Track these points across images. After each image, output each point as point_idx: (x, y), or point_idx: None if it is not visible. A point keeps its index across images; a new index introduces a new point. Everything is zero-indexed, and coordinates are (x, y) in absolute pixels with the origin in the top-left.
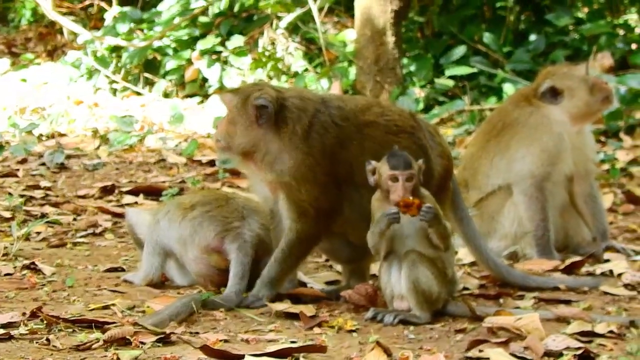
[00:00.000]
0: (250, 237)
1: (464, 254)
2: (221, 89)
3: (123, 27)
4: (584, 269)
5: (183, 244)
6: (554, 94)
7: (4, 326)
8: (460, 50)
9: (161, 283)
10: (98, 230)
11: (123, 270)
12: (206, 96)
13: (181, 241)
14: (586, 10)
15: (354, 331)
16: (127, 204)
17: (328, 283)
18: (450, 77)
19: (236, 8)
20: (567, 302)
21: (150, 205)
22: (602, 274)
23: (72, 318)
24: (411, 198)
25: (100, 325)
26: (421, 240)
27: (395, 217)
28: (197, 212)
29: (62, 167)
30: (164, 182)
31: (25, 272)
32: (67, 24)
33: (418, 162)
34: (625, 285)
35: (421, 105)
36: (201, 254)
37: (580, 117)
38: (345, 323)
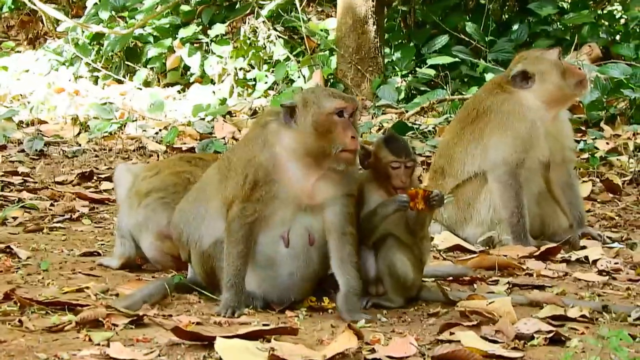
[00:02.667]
0: None
1: (439, 241)
2: (202, 77)
3: (104, 15)
4: (559, 256)
5: (139, 230)
6: (525, 77)
7: None
8: (442, 40)
9: (137, 266)
10: (75, 216)
11: (99, 254)
12: (187, 84)
13: (137, 227)
14: (569, 0)
15: (326, 313)
16: (105, 190)
17: None
18: (432, 67)
19: None
20: (541, 288)
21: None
22: (578, 260)
23: (45, 301)
24: (413, 189)
25: (74, 308)
26: (398, 226)
27: (405, 205)
28: (151, 199)
29: (41, 154)
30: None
31: (0, 255)
32: (49, 11)
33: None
34: (600, 272)
35: (402, 95)
36: (155, 240)
37: (554, 101)
38: (315, 303)
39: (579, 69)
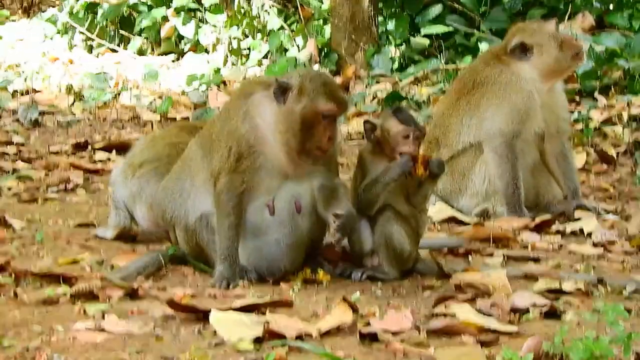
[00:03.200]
0: None
1: (434, 212)
2: (196, 46)
3: None
4: (554, 227)
5: (133, 201)
6: (523, 50)
7: None
8: (436, 9)
9: (132, 237)
10: (70, 186)
11: (94, 225)
12: (181, 54)
13: (131, 198)
14: None
15: (321, 286)
16: (100, 161)
17: None
18: (426, 36)
19: None
20: (536, 260)
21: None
22: (572, 232)
23: (40, 272)
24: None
25: (68, 280)
26: (397, 197)
27: (410, 166)
28: (145, 170)
29: (35, 124)
30: (137, 139)
31: None
32: None
33: None
34: (595, 244)
35: (396, 64)
36: (148, 210)
37: (551, 73)
38: (310, 275)
39: (576, 39)
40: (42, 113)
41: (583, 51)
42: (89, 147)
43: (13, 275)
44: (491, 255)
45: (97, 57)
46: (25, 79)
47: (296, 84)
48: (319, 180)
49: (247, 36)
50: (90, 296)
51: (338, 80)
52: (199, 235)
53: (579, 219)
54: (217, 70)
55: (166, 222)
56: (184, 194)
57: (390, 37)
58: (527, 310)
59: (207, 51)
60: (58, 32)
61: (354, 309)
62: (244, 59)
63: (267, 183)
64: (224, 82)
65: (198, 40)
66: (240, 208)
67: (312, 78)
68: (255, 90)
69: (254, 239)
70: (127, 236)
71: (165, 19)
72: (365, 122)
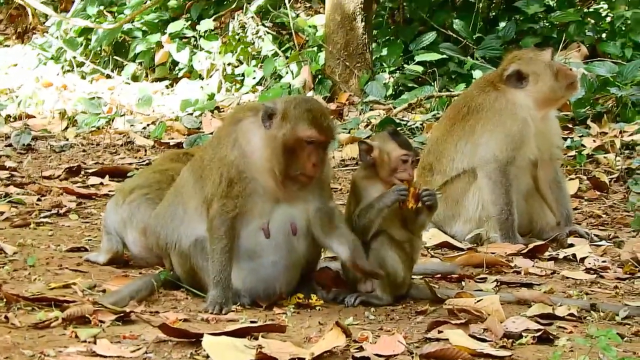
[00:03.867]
0: None
1: (427, 238)
2: (190, 72)
3: (92, 10)
4: (547, 253)
5: (123, 227)
6: (519, 78)
7: None
8: (430, 37)
9: (124, 262)
10: (62, 211)
11: (86, 250)
12: (175, 79)
13: (122, 223)
14: None
15: (314, 310)
16: (93, 185)
17: None
18: (420, 63)
19: None
20: (529, 286)
21: (115, 187)
22: (565, 258)
23: (32, 296)
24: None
25: (60, 304)
26: (392, 222)
27: (405, 195)
28: (136, 195)
29: (28, 148)
30: (130, 164)
31: None
32: (37, 5)
33: None
34: (588, 270)
35: (390, 91)
36: (139, 236)
37: (545, 102)
38: (303, 300)
39: (570, 69)
40: (35, 138)
41: (577, 81)
42: (82, 172)
43: (5, 300)
44: (484, 280)
45: (91, 82)
46: (19, 104)
47: (280, 109)
48: (314, 203)
49: (241, 62)
50: (82, 320)
51: (332, 106)
52: (193, 259)
53: (571, 245)
54: (211, 96)
55: (161, 249)
56: (176, 219)
57: (384, 64)
58: (520, 335)
59: (201, 77)
60: (52, 58)
61: (347, 334)
62: (238, 85)
63: (260, 207)
64: (218, 108)
65: (192, 66)
66: (233, 232)
67: (297, 104)
68: (244, 117)
69: (250, 261)
70: (120, 261)
71: (159, 45)
72: (361, 142)
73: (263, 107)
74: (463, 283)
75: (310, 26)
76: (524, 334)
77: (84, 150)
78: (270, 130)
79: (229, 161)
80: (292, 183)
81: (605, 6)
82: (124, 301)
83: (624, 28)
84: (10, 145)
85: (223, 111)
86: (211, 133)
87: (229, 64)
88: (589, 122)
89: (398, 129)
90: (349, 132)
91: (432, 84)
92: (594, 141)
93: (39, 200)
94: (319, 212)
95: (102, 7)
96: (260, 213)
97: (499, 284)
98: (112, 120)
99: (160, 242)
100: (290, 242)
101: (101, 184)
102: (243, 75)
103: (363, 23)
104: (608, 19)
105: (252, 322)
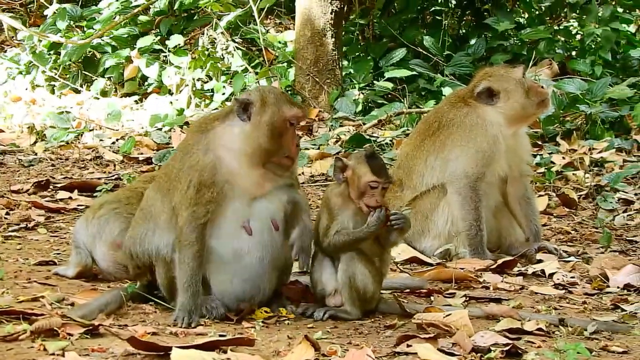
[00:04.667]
0: None
1: (396, 253)
2: (160, 87)
3: (62, 25)
4: (516, 269)
5: (92, 241)
6: (490, 94)
7: None
8: (399, 53)
9: (93, 276)
10: (31, 225)
11: (54, 263)
12: (145, 95)
13: (91, 238)
14: (526, 15)
15: (283, 324)
16: (61, 200)
17: None
18: (390, 80)
19: (176, 6)
20: (498, 301)
21: (83, 201)
22: (534, 273)
23: (0, 310)
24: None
25: (29, 317)
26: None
27: (383, 222)
28: (104, 210)
29: None
30: (99, 178)
31: None
32: (6, 20)
33: None
34: (556, 285)
35: (360, 107)
36: (108, 250)
37: (516, 119)
38: (265, 314)
39: (542, 87)
40: (3, 152)
41: (549, 99)
42: (50, 187)
43: None
44: (453, 295)
45: (60, 97)
46: None
47: (256, 98)
48: (288, 194)
49: (210, 78)
50: (50, 333)
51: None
52: (174, 267)
53: (540, 261)
54: (181, 112)
55: (144, 264)
56: (149, 232)
57: (354, 80)
58: (488, 350)
59: (170, 92)
60: (20, 72)
61: (316, 348)
62: (207, 101)
63: (239, 206)
64: (187, 124)
65: (162, 81)
66: (203, 239)
67: (269, 90)
68: (213, 125)
69: (236, 262)
70: (88, 274)
71: (129, 60)
72: (337, 159)
73: (235, 101)
74: (432, 298)
75: (280, 42)
76: (492, 348)
77: (52, 165)
78: (251, 120)
79: (202, 166)
80: (275, 169)
81: (576, 24)
82: (93, 314)
83: (593, 46)
84: None
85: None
86: None
87: (198, 80)
88: (558, 139)
89: (367, 145)
90: (319, 148)
91: (402, 100)
92: (563, 158)
93: (7, 214)
94: (290, 204)
95: (71, 22)
96: (240, 212)
97: (467, 299)
98: (81, 135)
99: (143, 258)
100: (273, 238)
101: (70, 198)
102: (212, 90)
103: (333, 39)
104: (578, 37)
105: (221, 335)
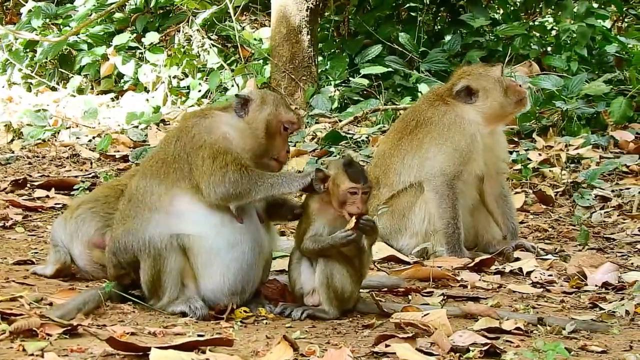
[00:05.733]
0: None
1: (374, 251)
2: (136, 85)
3: (38, 23)
4: (493, 267)
5: (70, 240)
6: (468, 93)
7: None
8: (375, 50)
9: (71, 275)
10: (8, 224)
11: (32, 263)
12: (121, 92)
13: (68, 237)
14: (502, 11)
15: (261, 324)
16: (39, 198)
17: None
18: (365, 76)
19: (152, 4)
20: (475, 299)
21: (61, 199)
22: (512, 272)
23: None
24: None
25: (7, 317)
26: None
27: (352, 241)
28: (82, 210)
29: None
30: (76, 176)
31: None
32: None
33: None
34: (534, 284)
35: (336, 104)
36: (84, 249)
37: (494, 117)
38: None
39: (520, 86)
40: None
41: (527, 97)
42: (28, 185)
43: None
44: (431, 294)
45: (37, 95)
46: None
47: (257, 96)
48: None
49: (187, 75)
50: (29, 334)
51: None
52: (164, 260)
53: (518, 259)
54: (157, 109)
55: (128, 264)
56: (143, 223)
57: (330, 77)
58: (467, 350)
59: (146, 90)
60: None
61: (294, 348)
62: (183, 98)
63: None
64: (164, 121)
65: (138, 78)
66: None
67: (270, 93)
68: (212, 113)
69: (228, 252)
70: (67, 273)
71: (105, 57)
72: (317, 170)
73: (235, 97)
74: (410, 297)
75: (255, 39)
76: (471, 348)
77: (29, 163)
78: (247, 117)
79: (210, 142)
80: (262, 169)
81: (551, 19)
82: (72, 314)
83: (569, 41)
84: None
85: (168, 124)
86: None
87: (174, 77)
88: (534, 135)
89: (344, 142)
90: (295, 145)
91: (378, 97)
92: (540, 155)
93: None
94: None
95: (47, 20)
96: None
97: (445, 297)
98: (58, 133)
99: (128, 254)
100: (259, 229)
101: (47, 196)
102: (188, 88)
103: (309, 36)
104: (553, 33)
105: (199, 335)
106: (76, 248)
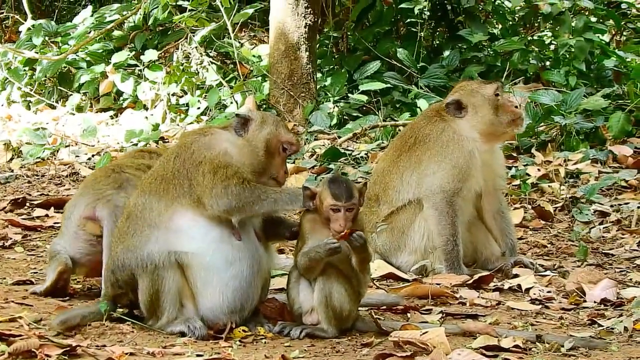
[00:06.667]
0: (123, 203)
1: (372, 269)
2: (135, 102)
3: (37, 41)
4: (492, 284)
5: (65, 226)
6: (458, 107)
7: None
8: (374, 66)
9: (69, 295)
10: (7, 243)
11: (31, 283)
12: (120, 110)
13: (64, 222)
14: (500, 26)
15: (259, 343)
16: (38, 217)
17: None
18: (364, 92)
19: (150, 22)
20: (474, 317)
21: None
22: (510, 288)
23: None
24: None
25: (6, 338)
26: (340, 257)
27: (338, 250)
28: (72, 200)
29: None
30: None
31: None
32: None
33: (359, 185)
34: (533, 301)
35: (335, 121)
36: (78, 228)
37: (488, 135)
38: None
39: (516, 107)
40: None
41: (522, 118)
42: (27, 204)
43: None
44: (429, 312)
45: (36, 113)
46: None
47: (257, 116)
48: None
49: (185, 93)
50: (28, 355)
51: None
52: (161, 279)
53: (517, 276)
54: (156, 127)
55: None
56: (142, 240)
57: (329, 94)
58: None
59: (145, 107)
60: None
61: None
62: (182, 115)
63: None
64: (163, 139)
65: (137, 96)
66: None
67: (269, 114)
68: (212, 131)
69: (226, 270)
70: (68, 276)
71: (104, 75)
72: (304, 187)
73: (234, 117)
74: (408, 315)
75: (254, 56)
76: None
77: (29, 182)
78: (247, 135)
79: (210, 157)
80: None
81: (549, 34)
82: (74, 320)
83: (567, 56)
84: None
85: (167, 141)
86: None
87: (173, 94)
88: (533, 150)
89: (343, 158)
90: (294, 162)
91: (377, 113)
92: (539, 170)
93: None
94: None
95: (46, 38)
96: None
97: (444, 315)
98: (57, 151)
99: (127, 271)
100: (257, 247)
101: (46, 215)
102: (187, 105)
103: (307, 53)
104: (552, 47)
105: (198, 355)
106: (70, 231)
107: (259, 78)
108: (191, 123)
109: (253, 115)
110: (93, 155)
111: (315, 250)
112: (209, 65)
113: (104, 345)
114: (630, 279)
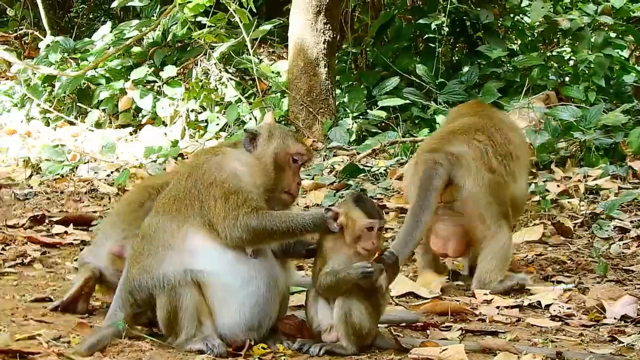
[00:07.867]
0: None
1: (392, 285)
2: (154, 119)
3: (56, 57)
4: (512, 300)
5: (97, 250)
6: None
7: None
8: (393, 82)
9: (88, 312)
10: (27, 260)
11: (50, 300)
12: (139, 126)
13: (93, 246)
14: (519, 42)
15: None
16: (57, 234)
17: None
18: (383, 108)
19: (169, 38)
20: (494, 334)
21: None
22: (530, 305)
23: None
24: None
25: (25, 356)
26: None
27: (371, 275)
28: (107, 222)
29: None
30: (94, 212)
31: None
32: (0, 53)
33: None
34: (553, 317)
35: (354, 137)
36: (106, 262)
37: None
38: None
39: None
40: None
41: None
42: (46, 221)
43: None
44: (449, 328)
45: (55, 129)
46: None
47: (265, 130)
48: None
49: (204, 109)
50: None
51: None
52: (179, 297)
53: (536, 292)
54: (175, 143)
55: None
56: (156, 260)
57: (348, 110)
58: None
59: (164, 124)
60: (15, 105)
61: None
62: (201, 132)
63: None
64: (182, 155)
65: (156, 112)
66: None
67: (277, 126)
68: (222, 150)
69: (243, 288)
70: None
71: (123, 91)
72: (327, 209)
73: (244, 133)
74: (428, 331)
75: (273, 72)
76: None
77: (48, 199)
78: (256, 151)
79: (221, 180)
80: (274, 203)
81: (569, 50)
82: (102, 342)
83: (587, 72)
84: None
85: (187, 158)
86: None
87: (192, 111)
88: (552, 166)
89: (362, 175)
90: (313, 179)
91: (396, 129)
92: (558, 186)
93: (3, 249)
94: None
95: (65, 54)
96: None
97: (464, 332)
98: (76, 168)
99: (144, 291)
100: (274, 265)
101: (66, 232)
102: (206, 121)
103: (326, 69)
104: (571, 63)
105: None
106: (100, 253)
107: (278, 94)
108: (210, 139)
109: (261, 130)
110: (112, 172)
111: (347, 271)
112: (228, 81)
113: None
114: None
